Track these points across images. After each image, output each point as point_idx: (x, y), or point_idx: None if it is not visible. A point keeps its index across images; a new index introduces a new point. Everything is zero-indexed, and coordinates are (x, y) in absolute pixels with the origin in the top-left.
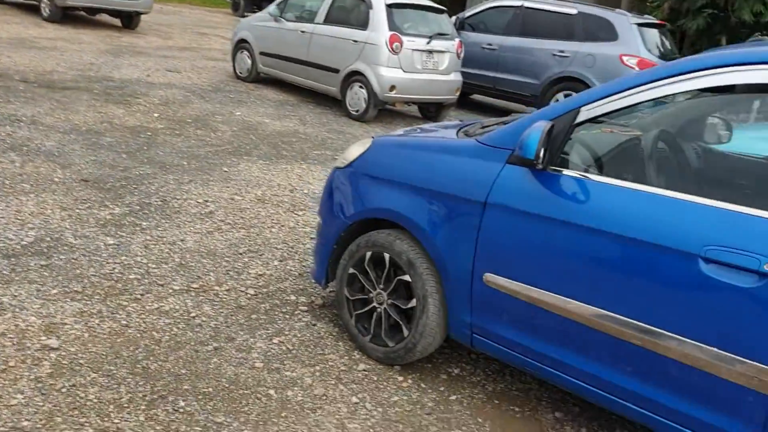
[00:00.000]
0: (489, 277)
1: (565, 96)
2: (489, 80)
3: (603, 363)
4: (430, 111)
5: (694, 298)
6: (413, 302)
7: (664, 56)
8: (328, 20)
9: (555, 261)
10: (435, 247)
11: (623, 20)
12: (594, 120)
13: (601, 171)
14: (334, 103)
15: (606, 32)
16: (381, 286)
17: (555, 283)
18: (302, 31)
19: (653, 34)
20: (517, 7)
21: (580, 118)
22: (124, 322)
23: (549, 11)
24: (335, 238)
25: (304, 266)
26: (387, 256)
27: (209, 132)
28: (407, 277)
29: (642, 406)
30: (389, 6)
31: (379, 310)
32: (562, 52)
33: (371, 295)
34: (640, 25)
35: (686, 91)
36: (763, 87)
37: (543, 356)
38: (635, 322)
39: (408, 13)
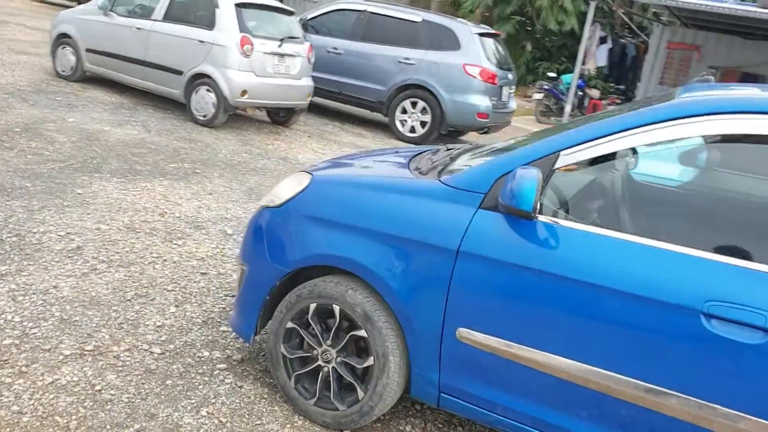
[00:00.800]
0: (463, 332)
1: (412, 104)
2: (334, 85)
3: (593, 422)
4: (280, 116)
5: (695, 354)
6: (370, 360)
7: (501, 65)
8: (168, 17)
9: (541, 315)
10: (397, 299)
11: (465, 30)
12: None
13: (583, 218)
14: (176, 107)
15: (449, 41)
16: (328, 342)
17: (541, 339)
18: (138, 28)
19: (491, 43)
20: (361, 11)
21: (560, 163)
22: (16, 408)
23: (393, 17)
24: (269, 287)
25: (205, 311)
26: (337, 308)
27: (45, 144)
28: (362, 333)
29: None
30: (238, 5)
31: (325, 369)
32: (407, 59)
33: (315, 352)
34: (480, 35)
35: (676, 139)
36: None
37: (525, 416)
38: (630, 379)
39: (257, 14)
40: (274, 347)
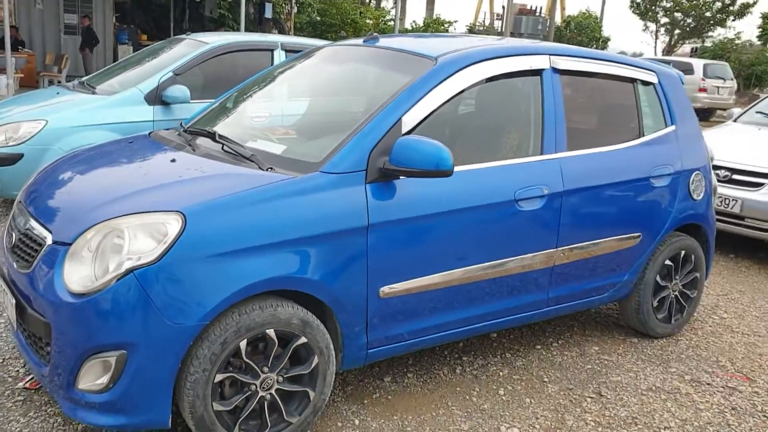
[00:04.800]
0: (385, 289)
1: None
2: None
3: (473, 305)
4: None
5: (515, 227)
6: (315, 359)
7: None
8: None
9: (434, 248)
10: (329, 290)
11: None
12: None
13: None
14: None
15: None
16: (265, 370)
17: (439, 263)
18: None
19: None
20: None
21: (404, 127)
22: None
23: None
24: (181, 352)
25: None
26: (271, 331)
27: None
28: (303, 340)
29: (510, 314)
30: None
31: (268, 396)
32: None
33: (253, 387)
34: None
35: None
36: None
37: (434, 327)
38: (489, 263)
39: None
40: (205, 411)
